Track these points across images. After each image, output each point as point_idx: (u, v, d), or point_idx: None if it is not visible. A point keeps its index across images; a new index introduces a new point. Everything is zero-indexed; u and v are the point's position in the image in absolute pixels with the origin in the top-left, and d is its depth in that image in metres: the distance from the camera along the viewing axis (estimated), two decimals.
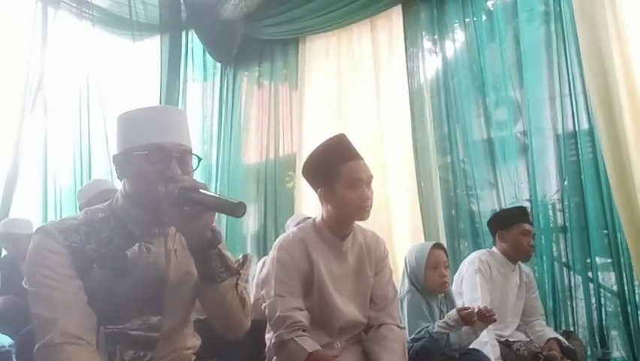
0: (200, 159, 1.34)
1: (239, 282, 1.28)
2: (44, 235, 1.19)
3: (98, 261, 1.19)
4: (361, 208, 1.60)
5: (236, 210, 1.10)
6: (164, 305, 1.27)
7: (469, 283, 2.51)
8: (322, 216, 1.69)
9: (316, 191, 1.69)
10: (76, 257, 1.17)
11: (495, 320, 2.13)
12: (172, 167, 1.21)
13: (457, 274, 2.67)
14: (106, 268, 1.19)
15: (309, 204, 4.12)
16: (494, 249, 2.66)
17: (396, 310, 1.77)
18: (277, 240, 1.70)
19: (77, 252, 1.18)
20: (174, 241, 1.31)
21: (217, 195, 1.17)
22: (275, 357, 1.62)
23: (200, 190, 1.16)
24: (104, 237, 1.22)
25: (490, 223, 2.76)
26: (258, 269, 3.19)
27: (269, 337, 1.64)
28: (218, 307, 1.27)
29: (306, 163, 1.74)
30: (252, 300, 2.37)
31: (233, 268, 1.26)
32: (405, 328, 1.87)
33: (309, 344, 1.51)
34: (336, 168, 1.61)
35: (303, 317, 1.56)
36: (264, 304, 1.62)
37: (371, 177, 1.64)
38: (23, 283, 1.18)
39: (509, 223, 2.59)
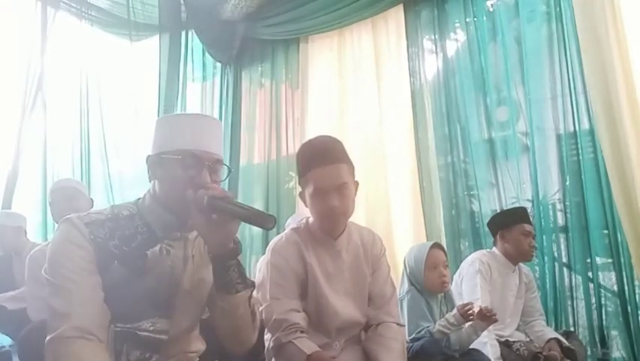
0: (230, 170, 1.35)
1: (252, 295, 1.29)
2: (70, 226, 1.19)
3: (119, 258, 1.20)
4: (328, 217, 1.56)
5: (265, 222, 1.11)
6: (175, 309, 1.28)
7: (470, 284, 2.51)
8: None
9: None
10: (98, 252, 1.18)
11: (496, 320, 2.13)
12: (203, 174, 1.22)
13: (457, 274, 2.67)
14: (126, 266, 1.20)
15: None
16: (494, 249, 2.66)
17: (394, 308, 1.75)
18: (271, 243, 1.68)
19: (100, 247, 1.18)
20: (193, 246, 1.31)
21: (246, 206, 1.17)
22: (273, 360, 1.61)
23: (230, 200, 1.16)
24: (128, 234, 1.23)
25: (490, 224, 2.76)
26: (258, 267, 3.19)
27: (267, 337, 1.64)
28: (228, 318, 1.27)
29: None
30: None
31: (249, 280, 1.26)
32: (404, 326, 1.87)
33: (308, 345, 1.50)
34: (305, 173, 1.58)
35: (300, 318, 1.55)
36: (260, 308, 1.61)
37: (341, 183, 1.53)
38: (42, 272, 1.18)
39: (510, 224, 2.59)
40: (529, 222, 2.62)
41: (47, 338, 1.11)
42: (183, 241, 1.30)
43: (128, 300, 1.21)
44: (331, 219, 1.57)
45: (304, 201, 1.64)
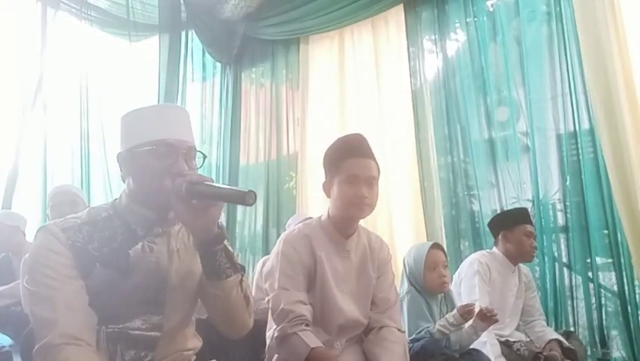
0: (205, 157, 1.34)
1: (243, 279, 1.28)
2: (47, 234, 1.18)
3: (101, 260, 1.19)
4: (355, 205, 1.60)
5: (246, 198, 1.09)
6: (165, 305, 1.27)
7: (468, 285, 2.51)
8: (328, 214, 1.71)
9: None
10: (78, 256, 1.17)
11: (497, 321, 2.14)
12: (179, 162, 1.21)
13: (456, 274, 2.67)
14: (109, 268, 1.19)
15: (311, 204, 4.13)
16: (495, 250, 2.66)
17: (397, 314, 1.77)
18: (282, 235, 1.72)
19: (80, 251, 1.17)
20: (177, 240, 1.30)
21: (225, 186, 1.17)
22: (275, 355, 1.62)
23: (208, 183, 1.16)
24: (107, 236, 1.22)
25: (492, 224, 2.76)
26: (258, 268, 3.19)
27: (269, 335, 1.64)
28: (222, 305, 1.26)
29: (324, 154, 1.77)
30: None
31: (238, 264, 1.26)
32: (405, 332, 1.87)
33: (312, 339, 1.51)
34: (338, 162, 1.64)
35: (306, 311, 1.57)
36: (267, 298, 1.62)
37: (373, 177, 1.62)
38: (24, 283, 1.17)
39: (512, 224, 2.59)
40: (531, 223, 2.63)
41: (35, 347, 1.10)
42: (166, 237, 1.29)
43: (116, 301, 1.20)
44: (358, 207, 1.61)
45: (328, 192, 1.68)
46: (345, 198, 1.60)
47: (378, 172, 1.67)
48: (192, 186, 1.14)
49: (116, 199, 1.31)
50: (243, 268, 1.28)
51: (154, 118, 1.25)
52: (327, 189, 1.69)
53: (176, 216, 1.20)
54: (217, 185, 1.17)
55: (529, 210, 3.24)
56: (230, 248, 1.26)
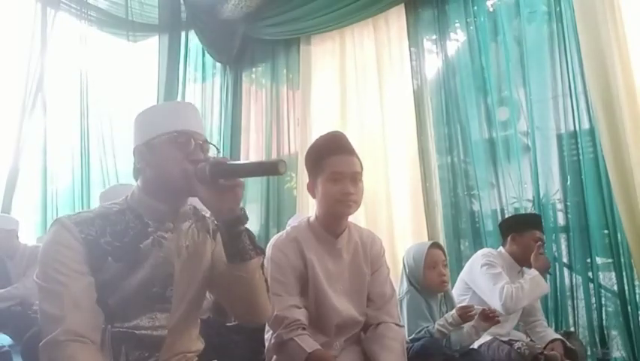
0: (218, 150, 1.36)
1: (263, 262, 1.29)
2: (60, 227, 1.18)
3: (112, 254, 1.19)
4: (341, 202, 1.59)
5: (279, 167, 1.08)
6: (172, 302, 1.27)
7: (484, 279, 2.46)
8: (316, 214, 1.69)
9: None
10: (91, 250, 1.17)
11: (498, 322, 2.14)
12: (197, 151, 1.24)
13: (462, 272, 2.66)
14: (120, 261, 1.19)
15: (311, 204, 4.12)
16: (502, 249, 2.66)
17: (394, 309, 1.75)
18: (271, 240, 1.70)
19: (92, 245, 1.18)
20: (187, 237, 1.31)
21: (250, 161, 1.16)
22: (274, 357, 1.61)
23: (230, 162, 1.17)
24: (119, 229, 1.22)
25: (503, 225, 2.75)
26: None
27: (267, 337, 1.64)
28: (246, 288, 1.26)
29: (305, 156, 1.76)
30: None
31: (259, 247, 1.26)
32: (404, 326, 1.86)
33: (309, 343, 1.50)
34: (321, 161, 1.63)
35: (301, 315, 1.56)
36: None
37: (356, 172, 1.61)
38: (34, 277, 1.17)
39: (524, 228, 2.59)
40: (542, 230, 2.63)
41: (41, 342, 1.11)
42: (177, 233, 1.29)
43: (124, 295, 1.20)
44: (345, 204, 1.59)
45: (312, 192, 1.66)
46: (330, 196, 1.59)
47: (362, 168, 1.65)
48: (216, 167, 1.16)
49: (127, 196, 1.31)
50: (263, 251, 1.29)
51: (171, 111, 1.29)
52: (311, 189, 1.67)
53: (200, 200, 1.21)
54: (241, 162, 1.18)
55: (530, 210, 3.25)
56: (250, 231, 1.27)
